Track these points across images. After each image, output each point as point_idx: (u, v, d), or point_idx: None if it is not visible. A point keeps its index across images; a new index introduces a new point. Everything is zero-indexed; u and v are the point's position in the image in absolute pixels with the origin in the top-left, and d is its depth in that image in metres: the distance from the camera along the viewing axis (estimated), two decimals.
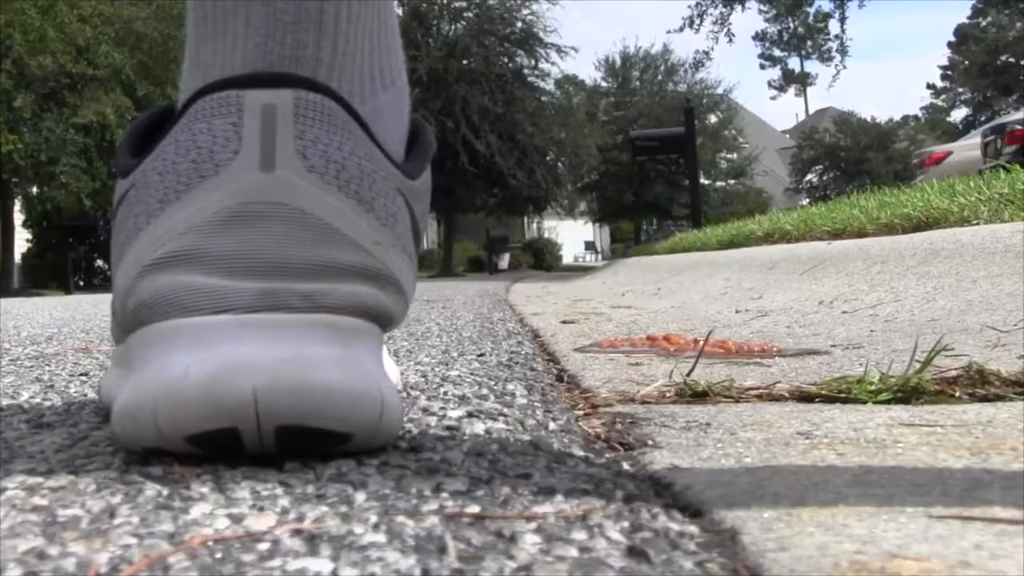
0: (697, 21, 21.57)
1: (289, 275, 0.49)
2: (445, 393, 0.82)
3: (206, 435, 0.46)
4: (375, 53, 0.57)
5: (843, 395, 0.77)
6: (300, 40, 0.53)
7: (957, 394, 0.77)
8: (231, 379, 0.45)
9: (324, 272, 0.49)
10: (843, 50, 33.73)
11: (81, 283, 15.55)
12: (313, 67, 0.53)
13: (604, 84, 29.05)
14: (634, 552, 0.36)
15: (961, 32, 35.82)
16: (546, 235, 29.93)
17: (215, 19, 0.54)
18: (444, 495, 0.44)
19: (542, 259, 24.53)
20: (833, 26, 37.51)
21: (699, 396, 0.79)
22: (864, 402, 0.75)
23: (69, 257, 14.29)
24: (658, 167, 24.84)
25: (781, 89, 51.01)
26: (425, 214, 0.60)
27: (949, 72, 39.53)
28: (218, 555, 0.35)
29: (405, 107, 0.60)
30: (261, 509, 0.41)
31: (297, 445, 0.48)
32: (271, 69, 0.52)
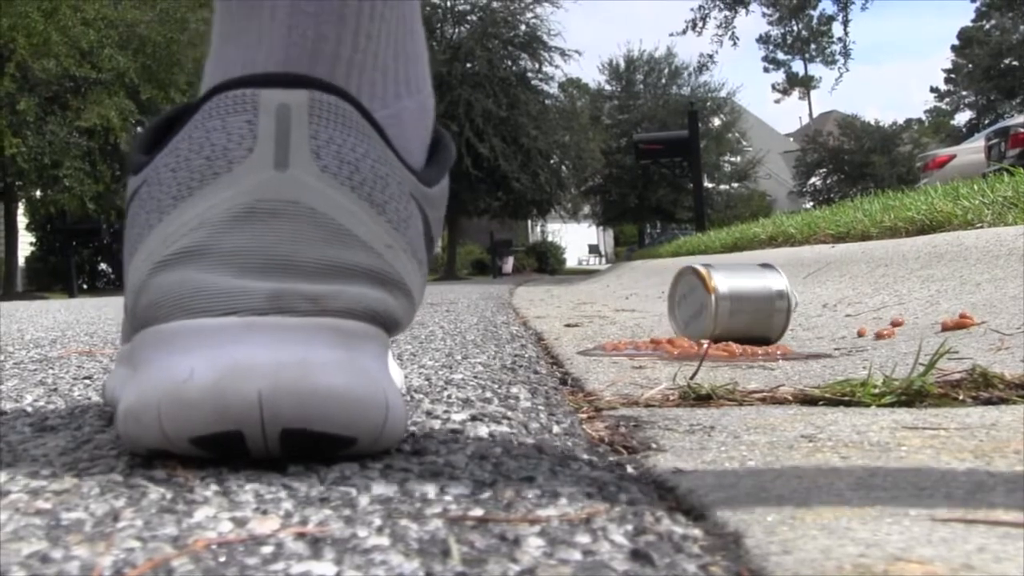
0: (700, 24, 21.60)
1: (298, 275, 0.48)
2: (449, 396, 0.82)
3: (210, 437, 0.46)
4: (400, 58, 0.57)
5: (847, 398, 0.77)
6: (321, 33, 0.53)
7: (961, 397, 0.77)
8: (236, 382, 0.45)
9: (333, 273, 0.49)
10: (846, 53, 33.69)
11: (85, 286, 15.57)
12: (332, 63, 0.53)
13: (608, 87, 29.03)
14: (638, 555, 0.36)
15: (965, 35, 35.77)
16: (550, 238, 29.91)
17: (240, 16, 0.55)
18: (448, 498, 0.44)
19: (546, 262, 24.53)
20: (836, 29, 37.55)
21: (703, 399, 0.79)
22: (868, 405, 0.75)
23: (72, 260, 14.30)
24: (662, 170, 24.80)
25: (785, 92, 50.95)
26: (440, 222, 0.60)
27: (953, 75, 39.46)
28: (222, 558, 0.35)
29: (429, 116, 0.60)
30: (265, 512, 0.41)
31: (301, 448, 0.48)
32: (292, 64, 0.53)
